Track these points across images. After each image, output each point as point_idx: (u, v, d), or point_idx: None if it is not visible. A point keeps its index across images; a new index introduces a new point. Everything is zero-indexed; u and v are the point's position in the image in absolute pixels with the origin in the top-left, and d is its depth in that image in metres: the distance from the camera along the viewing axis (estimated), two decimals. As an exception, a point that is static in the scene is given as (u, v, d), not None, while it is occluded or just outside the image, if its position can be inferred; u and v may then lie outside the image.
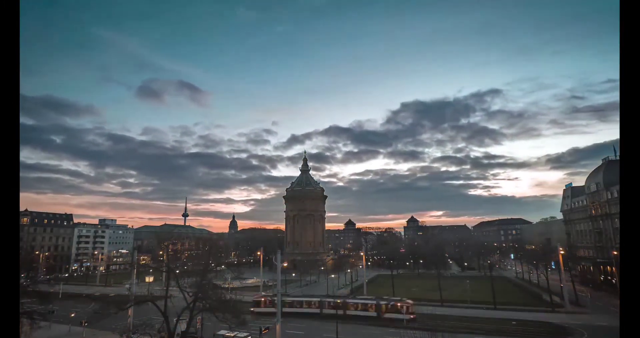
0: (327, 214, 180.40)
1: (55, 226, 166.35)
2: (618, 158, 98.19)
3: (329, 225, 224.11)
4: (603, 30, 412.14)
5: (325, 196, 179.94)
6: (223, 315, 41.12)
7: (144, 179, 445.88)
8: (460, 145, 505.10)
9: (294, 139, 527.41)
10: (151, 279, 69.97)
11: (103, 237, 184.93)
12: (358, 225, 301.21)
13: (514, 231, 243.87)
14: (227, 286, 78.34)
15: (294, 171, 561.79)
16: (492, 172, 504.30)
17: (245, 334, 49.75)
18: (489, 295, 78.29)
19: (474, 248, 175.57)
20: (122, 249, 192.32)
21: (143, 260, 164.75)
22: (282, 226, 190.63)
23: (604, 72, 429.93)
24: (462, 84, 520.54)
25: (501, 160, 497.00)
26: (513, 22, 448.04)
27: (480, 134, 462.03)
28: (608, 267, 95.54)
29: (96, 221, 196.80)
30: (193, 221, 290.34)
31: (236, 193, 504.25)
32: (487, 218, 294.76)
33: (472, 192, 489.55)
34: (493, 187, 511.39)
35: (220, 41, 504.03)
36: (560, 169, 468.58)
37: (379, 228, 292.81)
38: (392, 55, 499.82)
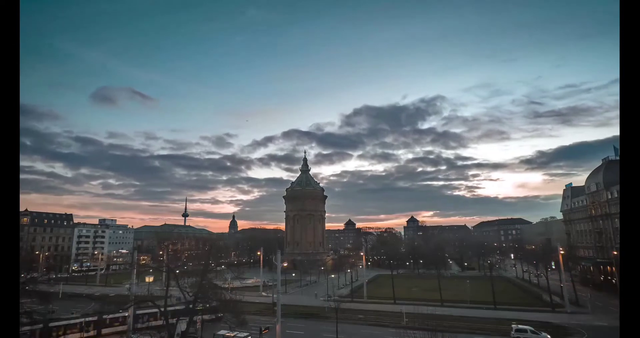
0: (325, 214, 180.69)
1: (55, 226, 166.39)
2: (618, 158, 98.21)
3: (329, 225, 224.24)
4: (553, 37, 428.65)
5: (325, 196, 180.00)
6: (223, 315, 41.17)
7: (125, 180, 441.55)
8: (428, 148, 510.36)
9: (257, 143, 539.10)
10: (151, 279, 69.90)
11: (103, 237, 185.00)
12: (357, 225, 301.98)
13: (513, 231, 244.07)
14: (227, 286, 78.33)
15: (270, 173, 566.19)
16: (471, 173, 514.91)
17: (245, 334, 49.75)
18: (489, 295, 78.30)
19: (474, 248, 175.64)
20: (122, 249, 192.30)
21: (143, 260, 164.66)
22: (282, 226, 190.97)
23: (558, 78, 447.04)
24: (416, 90, 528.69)
25: (474, 161, 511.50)
26: (465, 31, 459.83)
27: (444, 137, 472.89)
28: (608, 267, 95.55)
29: (90, 221, 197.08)
30: (178, 221, 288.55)
31: (221, 194, 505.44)
32: (476, 218, 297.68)
33: (457, 193, 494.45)
34: (476, 188, 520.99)
35: (182, 49, 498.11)
36: (536, 171, 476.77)
37: (379, 228, 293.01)
38: (348, 61, 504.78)
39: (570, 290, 79.62)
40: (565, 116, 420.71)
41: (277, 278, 53.68)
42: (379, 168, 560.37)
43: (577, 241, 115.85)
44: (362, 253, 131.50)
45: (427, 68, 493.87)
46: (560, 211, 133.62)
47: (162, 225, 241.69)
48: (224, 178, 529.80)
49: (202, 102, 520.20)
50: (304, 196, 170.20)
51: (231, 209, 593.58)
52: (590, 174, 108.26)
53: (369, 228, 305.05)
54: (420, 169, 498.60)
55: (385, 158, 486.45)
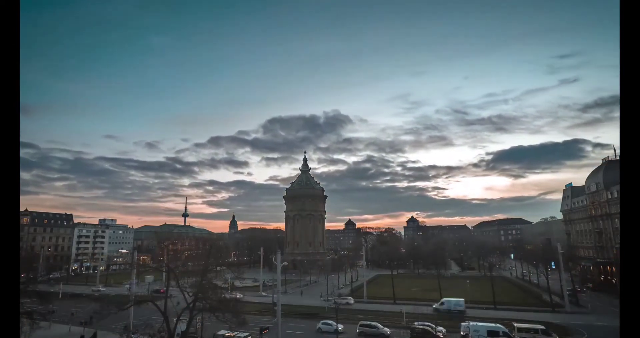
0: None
1: (55, 226, 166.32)
2: (618, 158, 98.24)
3: (329, 225, 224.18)
4: (464, 50, 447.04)
5: (326, 196, 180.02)
6: (223, 315, 41.12)
7: (84, 183, 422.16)
8: (373, 154, 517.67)
9: (186, 149, 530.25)
10: (151, 279, 70.02)
11: (103, 237, 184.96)
12: (358, 224, 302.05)
13: (513, 231, 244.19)
14: (227, 286, 78.41)
15: (224, 176, 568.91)
16: (431, 173, 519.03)
17: (245, 334, 49.75)
18: (489, 295, 78.34)
19: (473, 248, 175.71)
20: (122, 249, 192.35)
21: (143, 260, 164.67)
22: (282, 226, 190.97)
23: (473, 89, 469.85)
24: (339, 101, 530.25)
25: (423, 165, 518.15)
26: (384, 45, 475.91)
27: (388, 145, 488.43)
28: (608, 267, 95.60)
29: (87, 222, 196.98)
30: (149, 222, 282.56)
31: (191, 195, 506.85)
32: (451, 219, 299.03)
33: (427, 194, 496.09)
34: (441, 188, 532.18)
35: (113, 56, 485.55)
36: (489, 173, 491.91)
37: (379, 228, 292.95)
38: (274, 71, 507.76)
39: (570, 290, 79.68)
40: (497, 124, 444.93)
41: (277, 278, 53.74)
42: (330, 169, 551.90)
43: (577, 241, 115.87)
44: (362, 253, 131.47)
45: (346, 80, 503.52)
46: (560, 211, 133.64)
47: (162, 225, 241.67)
48: (186, 181, 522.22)
49: (127, 109, 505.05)
50: (304, 196, 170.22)
51: (199, 209, 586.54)
52: (590, 174, 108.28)
53: (369, 228, 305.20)
54: (373, 171, 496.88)
55: (333, 162, 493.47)
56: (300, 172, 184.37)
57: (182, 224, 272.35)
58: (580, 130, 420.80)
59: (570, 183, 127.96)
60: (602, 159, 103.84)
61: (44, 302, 49.27)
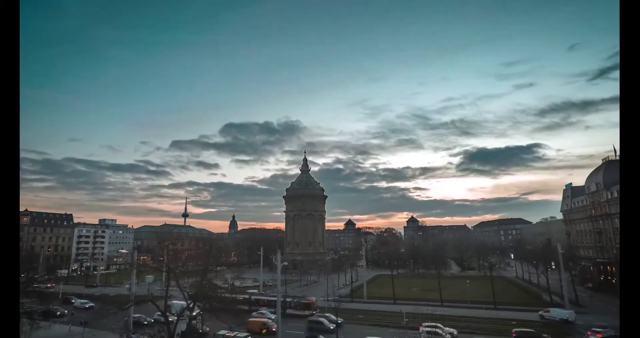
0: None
1: (55, 226, 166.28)
2: (618, 158, 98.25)
3: (329, 225, 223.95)
4: (418, 56, 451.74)
5: (326, 196, 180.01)
6: (223, 315, 41.15)
7: (64, 183, 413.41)
8: (342, 156, 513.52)
9: (150, 152, 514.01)
10: (151, 279, 70.01)
11: (103, 237, 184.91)
12: (358, 224, 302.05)
13: (513, 231, 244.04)
14: (227, 286, 78.37)
15: (199, 177, 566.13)
16: (408, 174, 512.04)
17: (245, 334, 49.77)
18: (489, 295, 78.31)
19: (473, 248, 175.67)
20: (122, 249, 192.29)
21: (143, 260, 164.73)
22: (282, 226, 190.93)
23: (432, 94, 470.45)
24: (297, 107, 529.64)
25: (394, 166, 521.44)
26: (333, 53, 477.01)
27: (357, 148, 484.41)
28: (608, 267, 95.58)
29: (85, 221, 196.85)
30: (143, 223, 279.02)
31: (174, 196, 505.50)
32: (448, 219, 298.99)
33: (410, 195, 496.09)
34: (423, 189, 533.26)
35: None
36: (472, 176, 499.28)
37: (379, 228, 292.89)
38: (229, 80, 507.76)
39: (570, 290, 79.59)
40: (461, 128, 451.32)
41: (277, 278, 53.74)
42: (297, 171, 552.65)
43: (577, 241, 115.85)
44: (362, 253, 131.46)
45: (302, 86, 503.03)
46: (560, 211, 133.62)
47: (162, 225, 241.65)
48: (166, 183, 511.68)
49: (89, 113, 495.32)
50: (304, 196, 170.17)
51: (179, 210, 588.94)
52: (590, 174, 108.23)
53: (369, 228, 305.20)
54: (347, 172, 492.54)
55: (299, 163, 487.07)
56: (300, 172, 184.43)
57: (182, 224, 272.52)
58: (543, 134, 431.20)
59: (570, 183, 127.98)
60: (602, 159, 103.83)
61: (44, 302, 49.33)
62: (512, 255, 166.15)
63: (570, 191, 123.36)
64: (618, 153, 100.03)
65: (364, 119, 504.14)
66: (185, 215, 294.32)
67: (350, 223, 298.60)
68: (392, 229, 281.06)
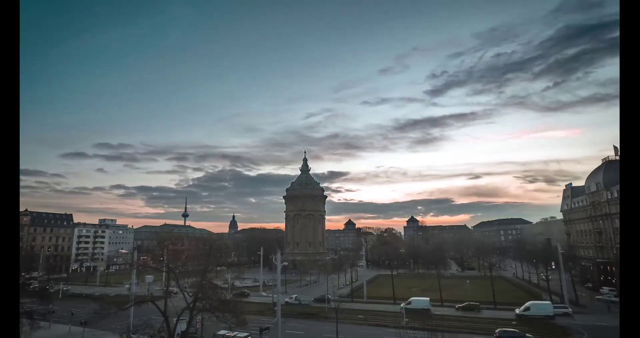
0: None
1: (55, 226, 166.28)
2: (618, 158, 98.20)
3: (329, 225, 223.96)
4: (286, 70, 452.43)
5: (325, 196, 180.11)
6: (223, 315, 41.07)
7: (42, 183, 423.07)
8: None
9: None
10: (151, 279, 69.95)
11: (103, 237, 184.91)
12: (357, 224, 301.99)
13: (513, 231, 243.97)
14: (227, 286, 78.38)
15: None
16: (344, 177, 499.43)
17: (245, 334, 49.71)
18: (489, 295, 78.31)
19: (473, 248, 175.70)
20: (122, 249, 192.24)
21: (143, 260, 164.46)
22: (282, 226, 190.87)
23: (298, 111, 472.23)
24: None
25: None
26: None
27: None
28: (608, 267, 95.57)
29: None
30: (141, 223, 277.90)
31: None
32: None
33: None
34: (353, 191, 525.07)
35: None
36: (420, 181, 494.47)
37: (379, 228, 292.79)
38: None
39: (570, 290, 79.64)
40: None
41: (277, 278, 53.73)
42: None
43: (577, 241, 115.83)
44: (362, 253, 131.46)
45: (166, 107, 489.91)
46: (560, 211, 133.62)
47: (162, 225, 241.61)
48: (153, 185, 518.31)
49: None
50: (304, 196, 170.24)
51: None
52: (590, 174, 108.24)
53: (369, 228, 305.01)
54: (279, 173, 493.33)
55: (196, 169, 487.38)
56: (300, 172, 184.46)
57: (182, 224, 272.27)
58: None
59: (570, 183, 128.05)
60: (602, 159, 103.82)
61: (44, 302, 49.31)
62: (512, 255, 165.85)
63: (570, 191, 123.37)
64: (618, 153, 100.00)
65: (242, 136, 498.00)
66: (185, 215, 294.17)
67: (350, 223, 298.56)
68: (392, 229, 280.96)
